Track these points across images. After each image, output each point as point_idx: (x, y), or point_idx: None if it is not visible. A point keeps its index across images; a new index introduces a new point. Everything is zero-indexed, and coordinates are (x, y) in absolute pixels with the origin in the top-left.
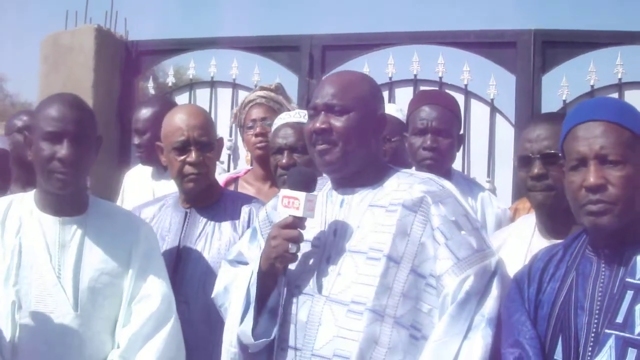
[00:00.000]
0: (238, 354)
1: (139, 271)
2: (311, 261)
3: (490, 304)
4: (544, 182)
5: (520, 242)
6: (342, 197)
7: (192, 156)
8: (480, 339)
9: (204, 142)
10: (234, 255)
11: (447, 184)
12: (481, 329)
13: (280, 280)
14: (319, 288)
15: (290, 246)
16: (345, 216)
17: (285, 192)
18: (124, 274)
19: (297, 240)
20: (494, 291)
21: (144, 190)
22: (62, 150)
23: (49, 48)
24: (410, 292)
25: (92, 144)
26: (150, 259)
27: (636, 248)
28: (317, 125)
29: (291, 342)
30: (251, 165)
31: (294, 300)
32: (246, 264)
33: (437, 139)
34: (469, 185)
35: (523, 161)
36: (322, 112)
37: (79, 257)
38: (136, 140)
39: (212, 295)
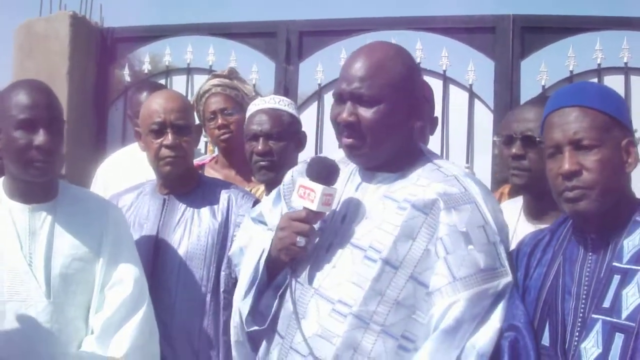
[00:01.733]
0: (239, 325)
1: (110, 256)
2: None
3: (487, 336)
4: (520, 162)
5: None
6: (359, 180)
7: (169, 138)
8: None
9: (181, 125)
10: (256, 213)
11: (473, 187)
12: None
13: (287, 269)
14: (310, 279)
15: (298, 239)
16: (357, 202)
17: (302, 181)
18: (95, 259)
19: (307, 234)
20: (494, 321)
21: (141, 165)
22: (39, 137)
23: (23, 35)
24: (406, 300)
25: (62, 129)
26: (120, 244)
27: (622, 232)
28: (344, 116)
29: (279, 329)
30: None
31: (288, 287)
32: (266, 224)
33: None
34: None
35: (507, 140)
36: (349, 102)
37: (49, 244)
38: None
39: (229, 253)
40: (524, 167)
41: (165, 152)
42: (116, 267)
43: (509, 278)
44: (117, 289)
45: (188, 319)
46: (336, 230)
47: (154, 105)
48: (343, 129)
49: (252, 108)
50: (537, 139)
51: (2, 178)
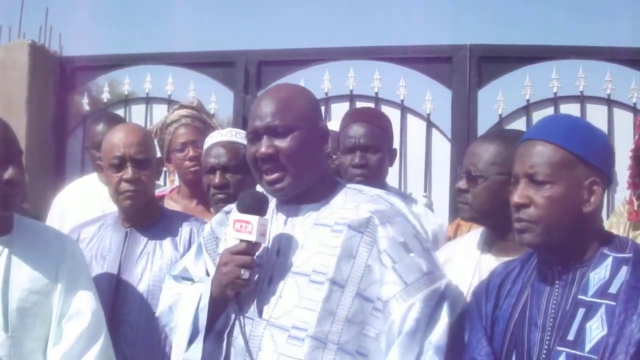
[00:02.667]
0: None
1: (66, 289)
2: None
3: (439, 331)
4: (463, 196)
5: (468, 258)
6: (286, 215)
7: (128, 172)
8: None
9: (140, 159)
10: (178, 270)
11: (396, 201)
12: (427, 357)
13: (231, 306)
14: (260, 311)
15: (242, 272)
16: (289, 235)
17: (237, 215)
18: (52, 292)
19: (250, 266)
20: (444, 317)
21: (98, 196)
22: (8, 172)
23: None
24: (355, 317)
25: (22, 161)
26: (77, 277)
27: (589, 264)
28: (263, 150)
29: None
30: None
31: (236, 323)
32: (191, 279)
33: (365, 155)
34: (405, 201)
35: (459, 174)
36: (265, 136)
37: (6, 278)
38: (97, 153)
39: (157, 314)
40: (466, 200)
41: (125, 186)
42: (73, 299)
43: (446, 279)
44: (74, 322)
45: (150, 352)
46: (273, 264)
47: (115, 139)
48: (263, 164)
49: (209, 141)
50: (475, 174)
51: None
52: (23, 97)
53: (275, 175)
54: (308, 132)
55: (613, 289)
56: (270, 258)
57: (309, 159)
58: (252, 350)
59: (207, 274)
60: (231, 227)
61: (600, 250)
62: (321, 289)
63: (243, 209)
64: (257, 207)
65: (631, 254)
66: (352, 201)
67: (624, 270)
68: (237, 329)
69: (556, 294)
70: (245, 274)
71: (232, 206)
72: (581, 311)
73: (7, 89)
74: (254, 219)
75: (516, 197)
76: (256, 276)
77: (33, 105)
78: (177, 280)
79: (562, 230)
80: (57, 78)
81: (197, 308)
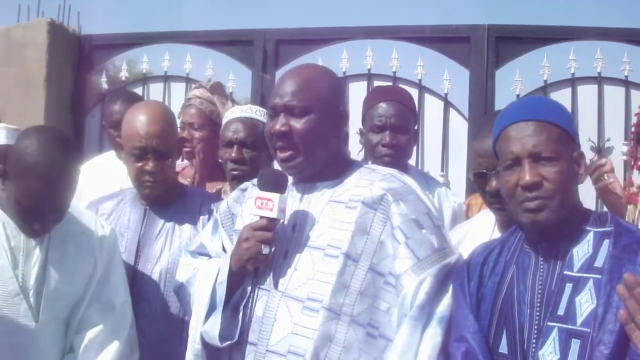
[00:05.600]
0: (201, 350)
1: (100, 278)
2: None
3: (445, 303)
4: (499, 197)
5: (481, 238)
6: (302, 192)
7: (150, 165)
8: (429, 338)
9: (162, 150)
10: (195, 246)
11: (409, 180)
12: (431, 327)
13: (247, 280)
14: (275, 283)
15: (263, 247)
16: (304, 211)
17: (258, 193)
18: (87, 281)
19: (270, 242)
20: (449, 291)
21: (116, 174)
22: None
23: (1, 43)
24: (368, 290)
25: None
26: (111, 265)
27: (571, 241)
28: (277, 127)
29: (247, 337)
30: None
31: (252, 295)
32: (208, 255)
33: (396, 135)
34: (426, 180)
35: (478, 177)
36: (282, 113)
37: (43, 266)
38: (115, 132)
39: (173, 288)
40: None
41: (145, 177)
42: (105, 288)
43: (457, 255)
44: (102, 311)
45: (168, 330)
46: (289, 239)
47: (137, 125)
48: (277, 140)
49: (228, 115)
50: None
51: (2, 189)
52: (42, 76)
53: (287, 154)
54: (324, 115)
55: (598, 263)
56: (286, 233)
57: (322, 141)
58: (268, 321)
59: (223, 249)
60: (252, 204)
61: (581, 226)
62: (335, 262)
63: (264, 187)
64: (278, 185)
65: (612, 227)
66: (365, 179)
67: (606, 244)
68: (252, 299)
69: (542, 270)
70: (265, 249)
71: (248, 184)
72: (569, 286)
73: (26, 67)
74: (275, 196)
75: (528, 177)
76: (272, 250)
77: (51, 84)
78: (193, 256)
79: (569, 204)
80: (76, 57)
81: (215, 282)
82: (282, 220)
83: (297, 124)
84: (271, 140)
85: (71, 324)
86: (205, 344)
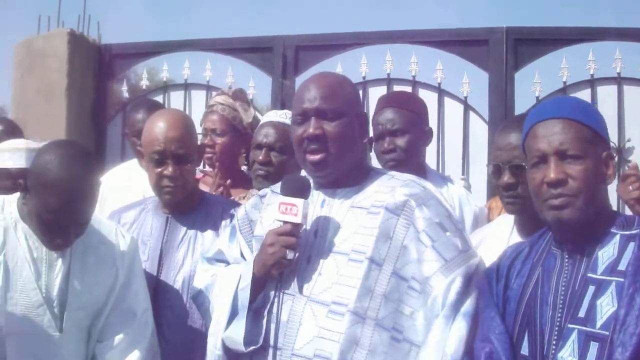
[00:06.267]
0: (222, 357)
1: (121, 286)
2: None
3: (470, 301)
4: (512, 191)
5: (499, 242)
6: (323, 197)
7: (169, 170)
8: (455, 331)
9: (181, 155)
10: (212, 253)
11: (428, 184)
12: (457, 321)
13: (270, 286)
14: (300, 288)
15: (287, 252)
16: (326, 216)
17: (282, 199)
18: (109, 290)
19: (294, 247)
20: (474, 289)
21: (139, 183)
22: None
23: (23, 53)
24: (392, 295)
25: None
26: (132, 274)
27: (597, 243)
28: (311, 131)
29: (271, 341)
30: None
31: (276, 300)
32: (225, 262)
33: (394, 140)
34: (446, 184)
35: (494, 169)
36: (313, 117)
37: (65, 277)
38: (138, 140)
39: (191, 294)
40: (517, 194)
41: (165, 182)
42: (126, 297)
43: (479, 257)
44: (124, 320)
45: (191, 337)
46: (311, 244)
47: (156, 131)
48: (309, 144)
49: (263, 119)
50: (526, 166)
51: (18, 199)
52: (63, 85)
53: (319, 156)
54: (352, 119)
55: (622, 266)
56: (308, 238)
57: (351, 145)
58: (293, 325)
59: (242, 256)
60: (276, 209)
61: (608, 228)
62: (360, 267)
63: (288, 192)
64: (302, 190)
65: (638, 230)
66: (386, 185)
67: (631, 247)
68: (276, 304)
69: (566, 272)
70: (290, 254)
71: (267, 190)
72: (591, 289)
73: (47, 77)
74: (299, 201)
75: (553, 174)
76: (296, 255)
77: (73, 93)
78: (210, 263)
79: (595, 204)
80: (96, 66)
81: (237, 288)
82: (304, 226)
83: (330, 127)
84: (301, 144)
85: (93, 333)
86: (226, 350)
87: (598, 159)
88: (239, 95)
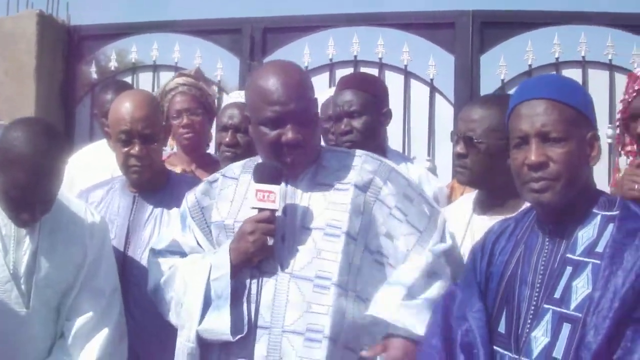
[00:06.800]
0: (195, 349)
1: (90, 265)
2: None
3: (439, 245)
4: (462, 160)
5: (460, 222)
6: (284, 178)
7: (136, 149)
8: (416, 261)
9: (148, 134)
10: (165, 244)
11: (383, 158)
12: (422, 255)
13: (245, 270)
14: (281, 266)
15: (268, 239)
16: (291, 195)
17: (259, 186)
18: (77, 269)
19: (274, 233)
20: (449, 240)
21: (107, 163)
22: None
23: None
24: (365, 268)
25: None
26: (101, 253)
27: (578, 223)
28: (291, 136)
29: (258, 323)
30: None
31: (254, 281)
32: (179, 253)
33: (350, 121)
34: (405, 163)
35: (455, 139)
36: (290, 123)
37: (33, 254)
38: (106, 121)
39: (149, 289)
40: (466, 165)
41: (132, 161)
42: (95, 276)
43: (441, 211)
44: (92, 299)
45: (158, 314)
46: (282, 223)
47: (122, 111)
48: (289, 150)
49: (227, 100)
50: (476, 140)
51: None
52: (32, 66)
53: (298, 159)
54: (314, 111)
55: (599, 248)
56: (277, 218)
57: (319, 137)
58: (280, 303)
59: (197, 244)
60: (253, 197)
61: (589, 208)
62: (338, 241)
63: (264, 179)
64: (277, 177)
65: (618, 212)
66: (346, 164)
67: (610, 229)
68: (255, 285)
69: (546, 251)
70: (270, 240)
71: (218, 175)
72: (568, 270)
73: (16, 58)
74: (276, 188)
75: (534, 157)
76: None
77: (42, 74)
78: (163, 255)
79: (577, 186)
80: (65, 47)
81: (209, 279)
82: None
83: (307, 130)
84: (279, 148)
85: (62, 311)
86: (199, 342)
87: (582, 140)
88: (200, 75)
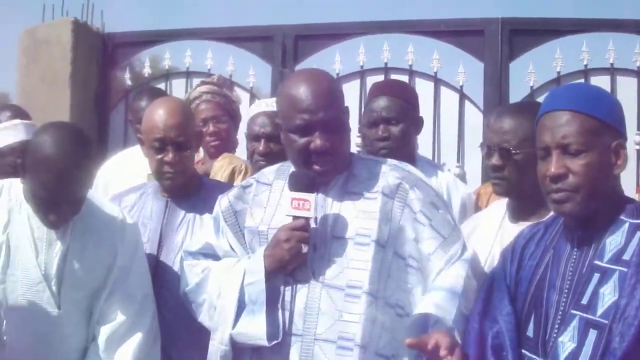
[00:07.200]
0: (229, 352)
1: (121, 269)
2: None
3: (468, 253)
4: (499, 173)
5: (491, 228)
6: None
7: (169, 156)
8: (453, 270)
9: (181, 142)
10: (198, 246)
11: (412, 168)
12: (455, 265)
13: (279, 277)
14: (313, 275)
15: (302, 247)
16: (321, 203)
17: (294, 194)
18: (107, 271)
19: (308, 240)
20: (470, 250)
21: (142, 168)
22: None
23: (27, 41)
24: (394, 273)
25: None
26: (133, 258)
27: (606, 230)
28: (320, 143)
29: (291, 330)
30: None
31: (288, 288)
32: (213, 256)
33: (388, 128)
34: (435, 170)
35: (487, 151)
36: (319, 130)
37: (64, 255)
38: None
39: (182, 291)
40: (503, 176)
41: (165, 168)
42: (127, 279)
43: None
44: (123, 301)
45: (190, 317)
46: (314, 232)
47: (156, 118)
48: (318, 157)
49: (254, 109)
50: (513, 152)
51: (21, 181)
52: (67, 73)
53: (327, 167)
54: (345, 120)
55: (627, 256)
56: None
57: (348, 145)
58: (312, 312)
59: (231, 248)
60: (288, 205)
61: (617, 215)
62: (367, 250)
63: (300, 188)
64: (311, 185)
65: None
66: (375, 172)
67: (638, 236)
68: (289, 292)
69: (574, 257)
70: (305, 248)
71: (252, 180)
72: (596, 276)
73: (52, 65)
74: (311, 196)
75: (553, 169)
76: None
77: (76, 81)
78: (196, 257)
79: (600, 196)
80: (100, 54)
81: (242, 284)
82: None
83: (336, 137)
84: (307, 156)
85: (93, 314)
86: (233, 345)
87: (605, 149)
88: (223, 82)
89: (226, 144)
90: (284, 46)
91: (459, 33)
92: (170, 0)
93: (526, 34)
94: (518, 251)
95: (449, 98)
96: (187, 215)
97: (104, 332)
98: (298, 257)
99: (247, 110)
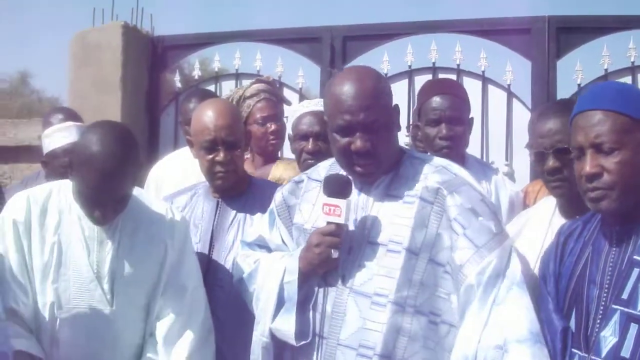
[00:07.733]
0: (269, 344)
1: (172, 264)
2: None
3: (513, 273)
4: (558, 175)
5: (541, 224)
6: (360, 186)
7: (220, 156)
8: (517, 299)
9: (231, 141)
10: (253, 238)
11: (459, 170)
12: (513, 291)
13: (314, 278)
14: (342, 279)
15: (332, 252)
16: (363, 206)
17: (326, 199)
18: (159, 267)
19: (339, 247)
20: (515, 263)
21: (192, 171)
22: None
23: (78, 45)
24: (428, 281)
25: None
26: (184, 252)
27: None
28: (360, 145)
29: (317, 331)
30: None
31: (320, 290)
32: (266, 247)
33: (452, 127)
34: (483, 169)
35: (538, 157)
36: (359, 131)
37: (116, 254)
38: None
39: (235, 279)
40: (564, 177)
41: (217, 168)
42: (178, 274)
43: (512, 239)
44: (177, 294)
45: (242, 314)
46: (351, 235)
47: (205, 120)
48: (358, 158)
49: (299, 109)
50: (570, 148)
51: (71, 180)
52: (117, 77)
53: (368, 169)
54: (392, 119)
55: None
56: (347, 229)
57: (392, 142)
58: (338, 316)
59: (283, 242)
60: (320, 210)
61: None
62: (398, 257)
63: (331, 193)
64: (344, 191)
65: None
66: (418, 172)
67: None
68: (321, 295)
69: (613, 253)
70: (335, 254)
71: (304, 176)
72: (636, 271)
73: (102, 69)
74: (342, 202)
75: (588, 168)
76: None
77: (127, 84)
78: (251, 248)
79: (635, 192)
80: (149, 57)
81: (282, 280)
82: (346, 224)
83: (376, 137)
84: (349, 156)
85: (151, 311)
86: (273, 338)
87: (638, 145)
88: (274, 82)
89: (282, 143)
90: (333, 47)
91: (506, 32)
92: (219, 3)
93: (573, 31)
94: (560, 247)
95: (496, 97)
96: (238, 215)
97: (161, 327)
98: (328, 262)
99: (289, 112)
